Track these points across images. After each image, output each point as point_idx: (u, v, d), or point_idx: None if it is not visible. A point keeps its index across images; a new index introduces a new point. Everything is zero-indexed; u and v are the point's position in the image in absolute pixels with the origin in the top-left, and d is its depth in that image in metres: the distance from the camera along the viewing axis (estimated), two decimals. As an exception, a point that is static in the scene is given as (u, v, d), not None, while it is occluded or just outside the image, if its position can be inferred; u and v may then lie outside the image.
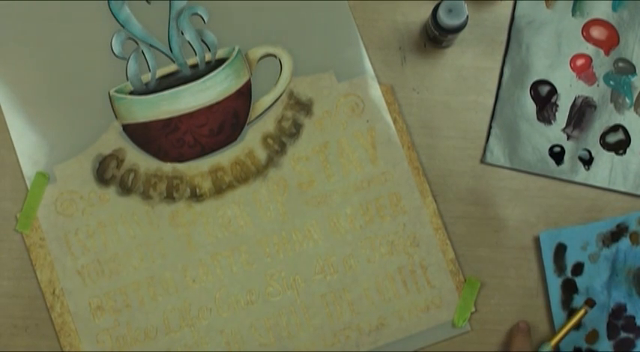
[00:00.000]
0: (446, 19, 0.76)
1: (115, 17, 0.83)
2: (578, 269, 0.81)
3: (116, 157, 0.82)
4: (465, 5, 0.76)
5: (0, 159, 0.82)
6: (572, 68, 0.83)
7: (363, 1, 0.84)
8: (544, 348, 0.78)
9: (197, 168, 0.82)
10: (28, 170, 0.81)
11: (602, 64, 0.83)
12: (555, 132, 0.82)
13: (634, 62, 0.83)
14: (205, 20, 0.83)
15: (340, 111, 0.83)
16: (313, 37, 0.83)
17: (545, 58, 0.83)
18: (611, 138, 0.83)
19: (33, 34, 0.83)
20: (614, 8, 0.83)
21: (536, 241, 0.82)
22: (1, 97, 0.82)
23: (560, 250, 0.81)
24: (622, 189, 0.82)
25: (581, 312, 0.78)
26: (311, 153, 0.82)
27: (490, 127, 0.83)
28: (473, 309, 0.81)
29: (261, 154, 0.82)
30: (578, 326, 0.80)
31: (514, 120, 0.83)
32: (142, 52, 0.82)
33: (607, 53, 0.83)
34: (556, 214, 0.82)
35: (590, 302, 0.79)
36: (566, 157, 0.82)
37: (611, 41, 0.83)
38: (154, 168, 0.82)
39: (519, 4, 0.83)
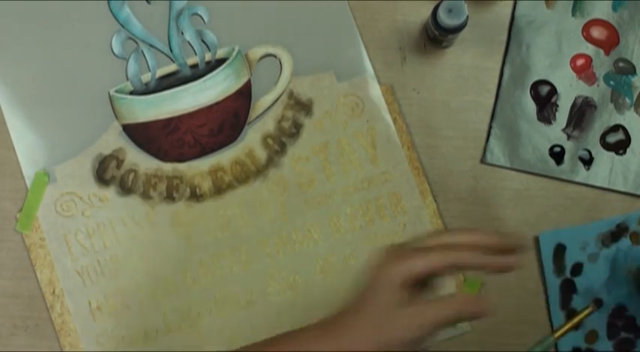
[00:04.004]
0: (446, 19, 0.76)
1: (115, 17, 0.83)
2: (578, 269, 0.81)
3: (116, 157, 0.82)
4: (465, 5, 0.76)
5: (0, 159, 0.82)
6: (572, 68, 0.83)
7: (363, 1, 0.84)
8: (547, 341, 0.79)
9: (197, 168, 0.82)
10: (28, 170, 0.81)
11: (602, 64, 0.83)
12: (555, 132, 0.82)
13: (634, 62, 0.83)
14: (205, 20, 0.83)
15: (340, 111, 0.83)
16: (313, 37, 0.83)
17: (545, 58, 0.83)
18: (611, 138, 0.83)
19: (33, 34, 0.83)
20: (614, 8, 0.83)
21: (536, 241, 0.82)
22: (1, 97, 0.82)
23: (560, 250, 0.81)
24: (622, 189, 0.82)
25: (588, 310, 0.79)
26: (311, 153, 0.82)
27: (490, 127, 0.83)
28: (473, 309, 0.81)
29: (261, 154, 0.82)
30: (577, 326, 0.80)
31: (514, 120, 0.83)
32: (142, 52, 0.82)
33: (607, 53, 0.83)
34: (556, 214, 0.82)
35: (597, 302, 0.79)
36: (566, 157, 0.82)
37: (611, 41, 0.83)
38: (154, 168, 0.82)
39: (519, 4, 0.83)
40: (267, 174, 0.82)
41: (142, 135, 0.82)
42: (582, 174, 0.82)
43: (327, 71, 0.83)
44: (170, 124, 0.81)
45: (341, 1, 0.84)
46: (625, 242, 0.80)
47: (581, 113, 0.83)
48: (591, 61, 0.83)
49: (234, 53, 0.83)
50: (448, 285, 0.81)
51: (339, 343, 0.54)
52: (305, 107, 0.83)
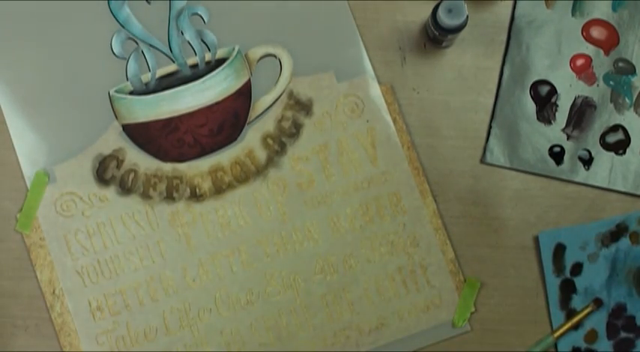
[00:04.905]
0: (446, 19, 0.76)
1: (115, 17, 0.83)
2: (577, 269, 0.81)
3: (116, 157, 0.82)
4: (465, 5, 0.76)
5: (0, 159, 0.82)
6: (572, 68, 0.83)
7: (363, 1, 0.84)
8: (546, 341, 0.79)
9: (197, 168, 0.82)
10: (28, 170, 0.81)
11: (602, 64, 0.83)
12: (555, 132, 0.83)
13: (634, 62, 0.83)
14: (205, 20, 0.83)
15: (340, 111, 0.83)
16: (313, 37, 0.83)
17: (545, 58, 0.83)
18: (611, 138, 0.83)
19: (33, 34, 0.83)
20: (614, 8, 0.84)
21: (536, 241, 0.82)
22: (1, 97, 0.82)
23: (559, 250, 0.81)
24: (622, 189, 0.82)
25: (588, 310, 0.79)
26: (311, 153, 0.82)
27: (490, 127, 0.83)
28: (473, 309, 0.81)
29: (261, 154, 0.82)
30: (577, 326, 0.80)
31: (514, 120, 0.83)
32: (142, 52, 0.82)
33: (607, 53, 0.83)
34: (556, 214, 0.82)
35: (597, 302, 0.79)
36: (566, 157, 0.82)
37: (611, 41, 0.83)
38: (154, 168, 0.82)
39: (519, 4, 0.84)
40: (267, 174, 0.82)
41: (141, 135, 0.82)
42: (582, 174, 0.82)
43: (327, 71, 0.83)
44: (170, 124, 0.81)
45: (341, 1, 0.84)
46: (625, 242, 0.80)
47: (581, 113, 0.83)
48: (591, 61, 0.83)
49: (234, 53, 0.83)
50: (448, 286, 0.81)
51: None
52: (305, 107, 0.83)
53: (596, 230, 0.81)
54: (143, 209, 0.81)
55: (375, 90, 0.83)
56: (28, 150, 0.82)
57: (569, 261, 0.81)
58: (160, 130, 0.81)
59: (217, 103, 0.82)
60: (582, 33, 0.83)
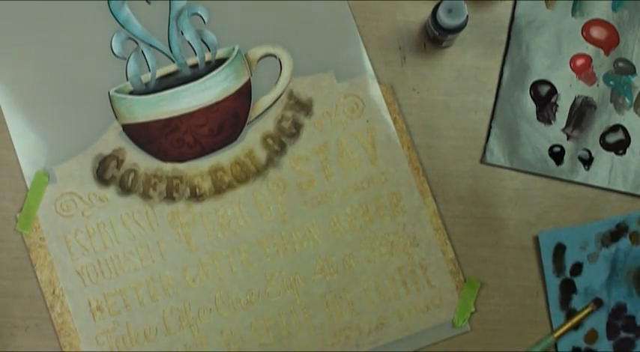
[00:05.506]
0: (446, 19, 0.76)
1: (115, 17, 0.83)
2: (577, 269, 0.81)
3: (116, 157, 0.82)
4: (465, 5, 0.76)
5: (0, 159, 0.82)
6: (572, 68, 0.83)
7: (363, 1, 0.84)
8: (546, 341, 0.79)
9: (197, 168, 0.82)
10: (28, 170, 0.81)
11: (602, 64, 0.83)
12: (555, 132, 0.83)
13: (634, 62, 0.83)
14: (205, 20, 0.83)
15: (340, 111, 0.83)
16: (313, 37, 0.83)
17: (545, 58, 0.83)
18: (611, 138, 0.83)
19: (33, 34, 0.83)
20: (614, 8, 0.84)
21: (536, 241, 0.82)
22: (1, 97, 0.82)
23: (559, 250, 0.81)
24: (622, 189, 0.82)
25: (588, 310, 0.79)
26: (311, 153, 0.82)
27: (490, 127, 0.83)
28: (473, 309, 0.81)
29: (261, 154, 0.82)
30: (577, 326, 0.80)
31: (514, 120, 0.83)
32: (142, 52, 0.82)
33: (607, 53, 0.83)
34: (556, 214, 0.82)
35: (597, 302, 0.79)
36: (566, 157, 0.82)
37: (611, 41, 0.83)
38: (154, 168, 0.82)
39: (519, 4, 0.84)
40: (267, 174, 0.82)
41: (141, 135, 0.82)
42: (582, 174, 0.82)
43: (327, 71, 0.83)
44: (170, 124, 0.82)
45: (341, 1, 0.84)
46: (625, 242, 0.80)
47: (581, 113, 0.83)
48: (591, 61, 0.83)
49: (234, 53, 0.83)
50: (448, 286, 0.81)
51: None
52: (305, 107, 0.83)
53: (596, 230, 0.81)
54: (143, 209, 0.81)
55: (375, 90, 0.83)
56: (28, 150, 0.82)
57: (569, 261, 0.81)
58: (160, 130, 0.82)
59: (217, 103, 0.82)
60: (582, 33, 0.83)
